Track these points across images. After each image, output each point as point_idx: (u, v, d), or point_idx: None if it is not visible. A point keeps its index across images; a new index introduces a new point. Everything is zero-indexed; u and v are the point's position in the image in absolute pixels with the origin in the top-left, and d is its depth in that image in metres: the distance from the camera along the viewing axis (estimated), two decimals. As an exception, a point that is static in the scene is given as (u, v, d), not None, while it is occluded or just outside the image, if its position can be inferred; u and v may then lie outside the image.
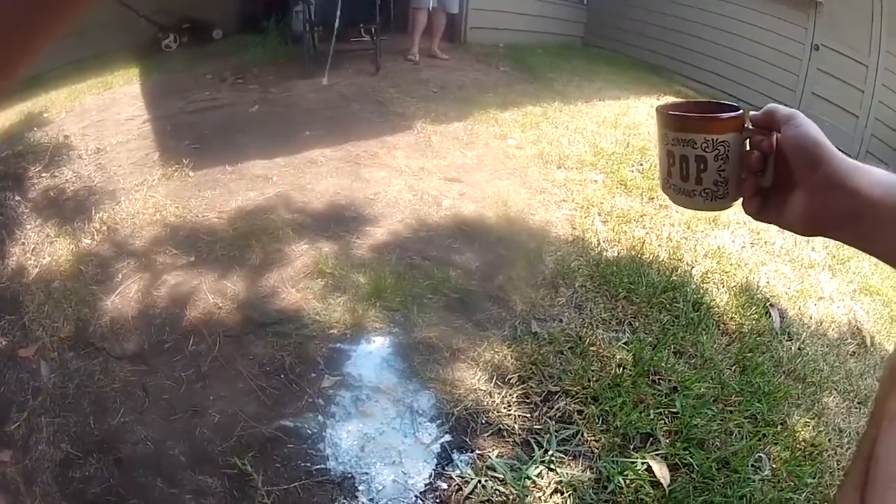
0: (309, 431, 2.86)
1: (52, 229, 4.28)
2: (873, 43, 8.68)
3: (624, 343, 3.50)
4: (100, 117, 6.22)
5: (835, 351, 3.84)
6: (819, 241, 5.00)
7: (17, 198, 4.70)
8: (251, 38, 9.25)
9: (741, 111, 1.01)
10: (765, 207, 1.00)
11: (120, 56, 7.91)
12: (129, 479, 2.63)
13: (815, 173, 0.90)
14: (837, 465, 3.02)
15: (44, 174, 5.05)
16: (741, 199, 1.03)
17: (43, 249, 4.05)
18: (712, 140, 0.99)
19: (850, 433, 3.22)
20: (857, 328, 4.14)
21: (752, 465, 2.91)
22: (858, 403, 3.46)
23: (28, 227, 4.33)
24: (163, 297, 3.60)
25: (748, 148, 1.00)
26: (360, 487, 2.66)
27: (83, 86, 7.10)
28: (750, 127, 1.00)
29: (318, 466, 2.72)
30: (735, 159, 1.00)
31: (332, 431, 2.87)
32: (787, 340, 3.83)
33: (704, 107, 1.08)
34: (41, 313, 3.49)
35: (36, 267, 3.91)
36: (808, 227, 0.95)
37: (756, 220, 1.03)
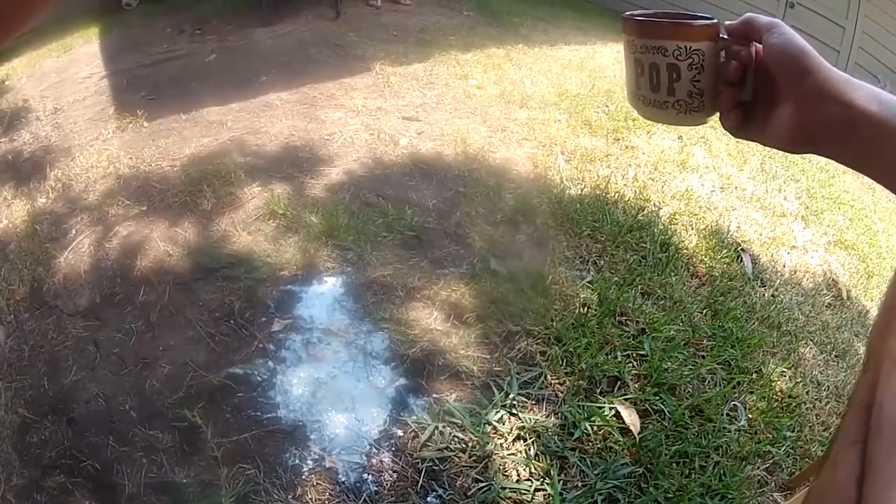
0: (259, 379, 2.78)
1: (9, 192, 4.19)
2: (852, 5, 8.55)
3: (588, 282, 3.42)
4: (59, 78, 6.09)
5: (810, 301, 3.80)
6: (791, 189, 4.99)
7: (-24, 166, 4.62)
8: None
9: (715, 20, 0.96)
10: (745, 123, 0.95)
11: (81, 17, 7.76)
12: (83, 439, 2.56)
13: (803, 83, 0.85)
14: (817, 419, 2.98)
15: (2, 139, 4.95)
16: (718, 114, 0.98)
17: (0, 213, 3.97)
18: (685, 47, 0.94)
19: (828, 387, 3.19)
20: (833, 280, 4.11)
21: (728, 414, 2.86)
22: (836, 357, 3.43)
23: (-14, 193, 4.24)
24: (114, 249, 3.50)
25: (725, 59, 0.95)
26: (312, 436, 2.59)
27: (43, 50, 6.97)
28: (725, 37, 0.95)
29: (269, 415, 2.64)
30: (711, 70, 0.95)
31: (283, 378, 2.79)
32: (759, 286, 3.79)
33: (672, 16, 1.01)
34: (-3, 277, 3.39)
35: (-7, 230, 3.82)
36: (796, 141, 0.90)
37: (735, 136, 0.98)
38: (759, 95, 0.93)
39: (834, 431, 2.79)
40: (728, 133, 0.99)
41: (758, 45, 0.91)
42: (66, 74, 6.19)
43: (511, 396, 2.75)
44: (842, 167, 5.68)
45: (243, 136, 4.62)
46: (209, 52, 6.40)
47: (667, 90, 0.97)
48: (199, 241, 3.54)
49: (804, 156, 5.59)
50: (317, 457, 2.52)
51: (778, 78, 0.88)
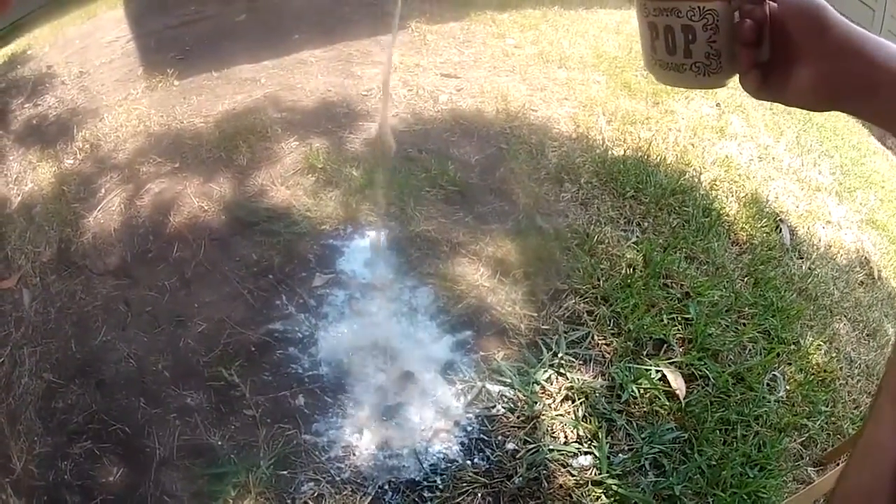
0: (299, 335, 2.71)
1: (34, 156, 4.09)
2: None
3: (633, 243, 3.38)
4: (83, 44, 5.99)
5: (844, 277, 3.80)
6: (825, 165, 5.00)
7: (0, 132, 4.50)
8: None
9: None
10: (766, 84, 0.91)
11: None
12: (112, 402, 2.50)
13: (821, 40, 0.83)
14: (848, 395, 2.99)
15: (26, 105, 4.86)
16: (737, 77, 0.95)
17: (25, 177, 3.88)
18: (698, 7, 0.91)
19: (860, 365, 3.19)
20: (866, 258, 4.10)
21: (768, 384, 2.86)
22: (867, 335, 3.43)
23: (11, 158, 4.14)
24: (146, 207, 3.42)
25: (739, 18, 0.91)
26: (355, 394, 2.51)
27: (66, 19, 6.87)
28: None
29: (310, 373, 2.57)
30: (726, 30, 0.92)
31: (324, 334, 2.71)
32: (797, 258, 3.78)
33: None
34: (23, 241, 3.32)
35: (18, 196, 3.73)
36: (818, 98, 0.87)
37: (756, 97, 0.95)
38: (778, 54, 0.89)
39: (876, 388, 2.74)
40: (748, 94, 0.95)
41: (772, 3, 0.87)
42: (90, 40, 6.08)
43: (559, 356, 2.70)
44: (873, 147, 5.71)
45: (278, 92, 4.52)
46: (239, 12, 6.30)
47: (683, 52, 0.95)
48: (235, 197, 3.45)
49: (837, 132, 5.74)
50: (359, 415, 2.45)
51: (795, 35, 0.86)
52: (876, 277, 3.97)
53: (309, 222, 3.23)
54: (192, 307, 2.83)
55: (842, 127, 5.83)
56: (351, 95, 4.46)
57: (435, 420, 2.44)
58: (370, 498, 2.22)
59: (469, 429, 2.42)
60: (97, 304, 2.89)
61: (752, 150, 4.72)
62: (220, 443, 2.34)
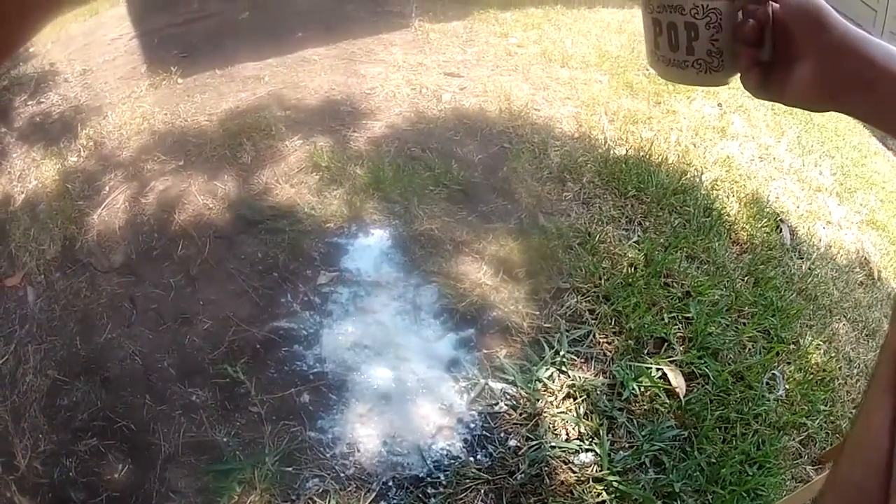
0: (304, 332, 2.72)
1: (38, 153, 4.10)
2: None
3: (635, 242, 3.40)
4: (86, 41, 5.99)
5: (843, 277, 3.82)
6: (826, 165, 5.00)
7: (2, 129, 4.51)
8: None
9: None
10: (766, 83, 0.93)
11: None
12: (117, 399, 2.51)
13: (821, 39, 0.85)
14: (847, 395, 3.00)
15: (29, 102, 4.86)
16: (739, 75, 0.97)
17: (29, 175, 3.88)
18: (702, 6, 0.93)
19: (859, 365, 3.20)
20: (865, 259, 4.12)
21: (767, 383, 2.88)
22: (867, 335, 3.44)
23: (14, 155, 4.14)
24: (151, 204, 3.43)
25: (742, 18, 0.93)
26: (359, 391, 2.52)
27: (69, 16, 6.87)
28: None
29: (315, 370, 2.59)
30: (728, 29, 0.94)
31: (329, 331, 2.73)
32: (797, 258, 3.80)
33: None
34: (27, 238, 3.33)
35: (22, 193, 3.73)
36: (817, 98, 0.89)
37: (756, 96, 0.96)
38: (779, 54, 0.91)
39: (867, 381, 2.77)
40: (749, 93, 0.97)
41: (774, 3, 0.89)
42: (93, 37, 6.09)
43: (561, 354, 2.72)
44: (874, 147, 5.70)
45: (281, 90, 4.53)
46: (242, 10, 6.31)
47: (686, 49, 0.97)
48: (239, 194, 3.47)
49: (838, 133, 5.70)
50: (364, 413, 2.47)
51: (796, 35, 0.87)
52: (876, 278, 3.99)
53: (313, 220, 3.24)
54: (197, 305, 2.84)
55: (843, 128, 5.84)
56: (355, 94, 4.47)
57: (438, 417, 2.46)
58: (374, 494, 2.23)
59: (472, 426, 2.44)
60: (102, 301, 2.90)
61: (753, 150, 4.74)
62: (225, 439, 2.35)
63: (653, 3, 0.98)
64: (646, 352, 2.81)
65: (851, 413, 2.88)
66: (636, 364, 2.73)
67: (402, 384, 2.54)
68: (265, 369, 2.57)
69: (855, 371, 3.14)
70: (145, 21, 6.09)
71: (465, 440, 2.40)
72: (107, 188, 3.60)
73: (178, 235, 3.20)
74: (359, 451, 2.34)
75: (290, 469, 2.27)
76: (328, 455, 2.31)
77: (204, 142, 3.89)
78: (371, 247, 3.12)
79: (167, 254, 3.11)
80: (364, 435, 2.38)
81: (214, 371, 2.56)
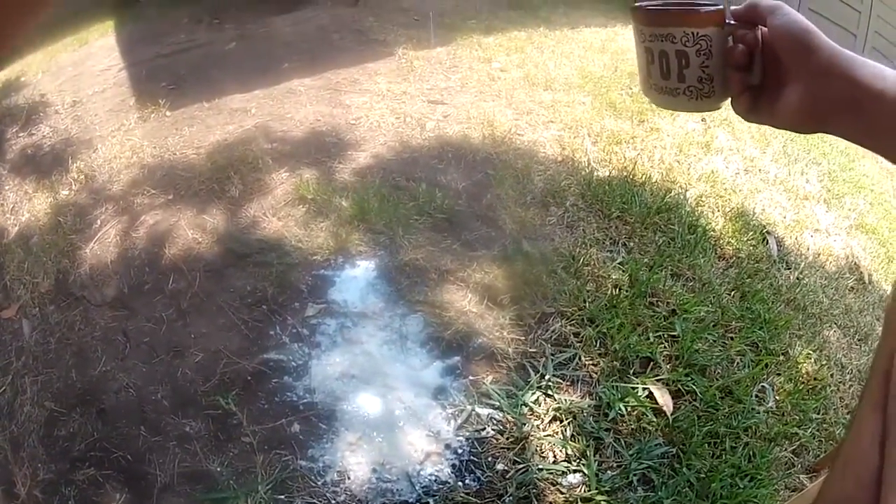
0: (294, 364, 2.76)
1: (30, 186, 4.15)
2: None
3: (619, 263, 3.42)
4: (76, 72, 6.04)
5: (833, 284, 3.82)
6: (813, 173, 5.01)
7: (-3, 161, 4.57)
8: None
9: (721, 5, 0.97)
10: (756, 106, 0.96)
11: (95, 11, 7.69)
12: (113, 430, 2.54)
13: (809, 62, 0.87)
14: (840, 401, 3.01)
15: (21, 134, 4.90)
16: (729, 100, 0.99)
17: (22, 207, 3.93)
18: (692, 34, 0.96)
19: (852, 370, 3.21)
20: (855, 264, 4.13)
21: (756, 396, 2.89)
22: (859, 340, 3.45)
23: (7, 188, 4.18)
24: (141, 239, 3.47)
25: (732, 44, 0.96)
26: (349, 421, 2.56)
27: (59, 45, 6.91)
28: (732, 22, 0.96)
29: (305, 400, 2.62)
30: (719, 55, 0.96)
31: (318, 362, 2.76)
32: (785, 269, 3.81)
33: (682, 5, 1.04)
34: (21, 271, 3.38)
35: (15, 226, 3.78)
36: (806, 120, 0.91)
37: (747, 120, 0.99)
38: (768, 78, 0.93)
39: (858, 397, 2.82)
40: (739, 117, 0.99)
41: (763, 28, 0.92)
42: (83, 68, 6.14)
43: (546, 378, 2.75)
44: (861, 151, 5.74)
45: (268, 122, 4.58)
46: (229, 40, 6.36)
47: (677, 77, 0.99)
48: (228, 228, 3.51)
49: (825, 139, 5.62)
50: (354, 441, 2.49)
51: (784, 58, 0.90)
52: (867, 282, 4.00)
53: (300, 253, 3.28)
54: (189, 338, 2.88)
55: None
56: (340, 125, 4.52)
57: (426, 444, 2.49)
58: (365, 521, 2.26)
59: (460, 451, 2.47)
60: (96, 334, 2.94)
61: (738, 163, 4.77)
62: (219, 469, 2.38)
63: (645, 33, 1.01)
64: (631, 372, 2.83)
65: (845, 419, 2.90)
66: (622, 384, 2.75)
67: (391, 412, 2.58)
68: (256, 400, 2.60)
69: (848, 377, 3.15)
70: (134, 52, 6.15)
71: (453, 465, 2.42)
72: (98, 222, 3.64)
73: (168, 269, 3.24)
74: (349, 478, 2.36)
75: (283, 497, 2.30)
76: (319, 483, 2.34)
77: (192, 175, 3.94)
78: (357, 278, 3.16)
79: (159, 287, 3.15)
80: (354, 463, 2.41)
81: (207, 402, 2.59)
